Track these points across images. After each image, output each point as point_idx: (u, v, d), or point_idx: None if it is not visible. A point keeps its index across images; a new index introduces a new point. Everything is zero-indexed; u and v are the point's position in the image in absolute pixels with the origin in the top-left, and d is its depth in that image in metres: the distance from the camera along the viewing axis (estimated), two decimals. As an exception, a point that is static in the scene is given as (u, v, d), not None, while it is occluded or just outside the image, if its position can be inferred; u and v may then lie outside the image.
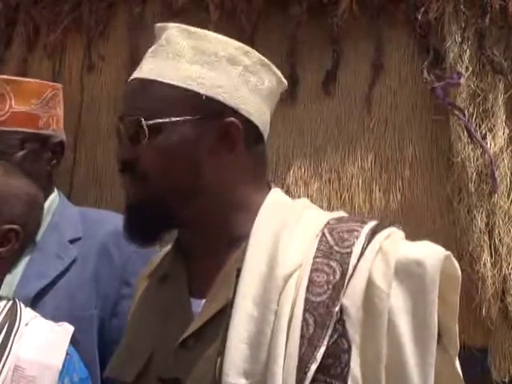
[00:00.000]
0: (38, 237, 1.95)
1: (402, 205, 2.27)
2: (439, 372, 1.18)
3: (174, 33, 1.32)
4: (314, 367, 1.11)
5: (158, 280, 1.36)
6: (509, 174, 2.24)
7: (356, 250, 1.18)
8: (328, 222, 1.25)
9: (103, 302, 1.95)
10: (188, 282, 1.30)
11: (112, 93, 2.53)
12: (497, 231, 2.20)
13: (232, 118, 1.28)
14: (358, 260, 1.18)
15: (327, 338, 1.13)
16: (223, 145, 1.28)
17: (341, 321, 1.15)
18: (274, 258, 1.19)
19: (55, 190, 2.12)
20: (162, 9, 2.49)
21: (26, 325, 1.61)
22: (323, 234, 1.22)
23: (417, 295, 1.15)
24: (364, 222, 1.23)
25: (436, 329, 1.14)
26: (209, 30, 2.32)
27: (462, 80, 2.24)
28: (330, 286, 1.16)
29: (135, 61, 2.48)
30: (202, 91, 1.27)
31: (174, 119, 1.26)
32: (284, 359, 1.12)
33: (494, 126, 2.25)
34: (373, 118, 2.34)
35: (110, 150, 2.51)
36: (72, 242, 2.00)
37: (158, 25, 1.35)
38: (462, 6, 2.26)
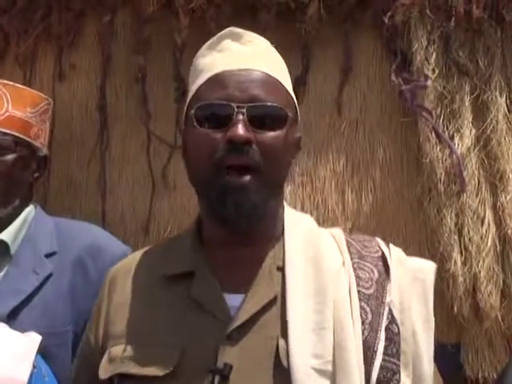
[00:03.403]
0: (14, 250, 1.94)
1: (374, 206, 2.30)
2: None
3: (263, 43, 1.48)
4: (381, 346, 1.31)
5: (170, 278, 1.41)
6: (476, 173, 2.26)
7: (386, 255, 1.43)
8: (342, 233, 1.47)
9: (78, 316, 1.91)
10: (217, 277, 1.38)
11: (83, 101, 2.53)
12: (466, 230, 2.23)
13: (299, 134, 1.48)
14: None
15: (383, 324, 1.33)
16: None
17: (389, 309, 1.37)
18: (316, 257, 1.37)
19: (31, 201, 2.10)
20: (131, 17, 2.49)
21: (-10, 336, 1.54)
22: (348, 241, 1.43)
23: (420, 295, 1.42)
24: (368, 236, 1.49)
25: (433, 322, 1.40)
26: (179, 37, 2.39)
27: (429, 82, 2.27)
28: (374, 282, 1.37)
29: (106, 69, 2.50)
30: (296, 105, 1.47)
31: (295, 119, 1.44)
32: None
33: (461, 126, 2.28)
34: (343, 121, 2.36)
35: (82, 159, 2.50)
36: (48, 256, 1.96)
37: (240, 30, 1.46)
38: (427, 10, 2.29)
